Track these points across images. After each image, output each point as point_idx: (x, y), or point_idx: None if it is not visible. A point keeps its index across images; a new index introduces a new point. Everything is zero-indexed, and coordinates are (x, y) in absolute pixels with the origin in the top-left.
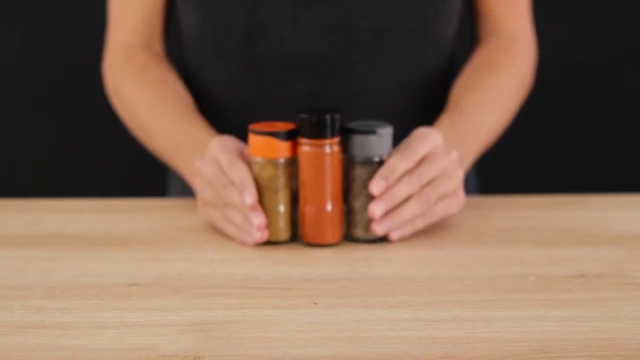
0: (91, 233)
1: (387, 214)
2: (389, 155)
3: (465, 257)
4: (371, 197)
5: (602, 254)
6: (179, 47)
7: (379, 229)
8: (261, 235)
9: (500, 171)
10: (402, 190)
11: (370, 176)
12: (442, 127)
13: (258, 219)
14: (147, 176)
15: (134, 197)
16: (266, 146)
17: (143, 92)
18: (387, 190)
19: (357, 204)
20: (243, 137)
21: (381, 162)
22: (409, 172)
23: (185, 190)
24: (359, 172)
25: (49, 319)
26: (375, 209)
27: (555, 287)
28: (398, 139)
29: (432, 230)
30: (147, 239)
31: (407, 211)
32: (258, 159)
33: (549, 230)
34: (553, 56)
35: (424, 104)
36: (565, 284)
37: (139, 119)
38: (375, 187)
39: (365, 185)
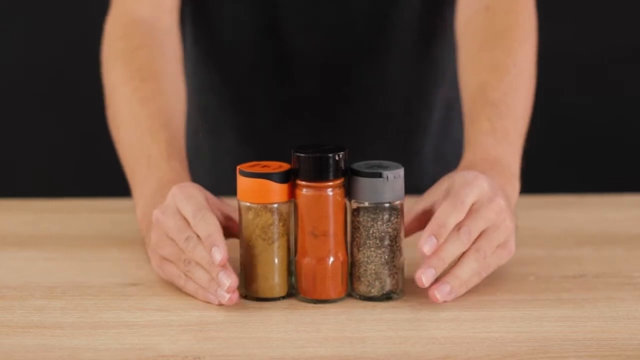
0: (91, 233)
1: (440, 277)
2: (438, 204)
3: None
4: (377, 248)
5: (602, 254)
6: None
7: (439, 296)
8: (230, 298)
9: None
10: (452, 250)
11: (377, 224)
12: (485, 133)
13: (229, 279)
14: None
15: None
16: (259, 189)
17: (125, 82)
18: (435, 251)
19: (361, 255)
20: (249, 134)
21: (391, 209)
22: (456, 227)
23: None
24: (365, 220)
25: (49, 319)
26: (423, 277)
27: (555, 287)
28: (403, 138)
29: None
30: None
31: (465, 271)
32: (250, 204)
33: (549, 230)
34: (555, 56)
35: (430, 101)
36: (565, 284)
37: (113, 109)
38: (427, 246)
39: (371, 235)
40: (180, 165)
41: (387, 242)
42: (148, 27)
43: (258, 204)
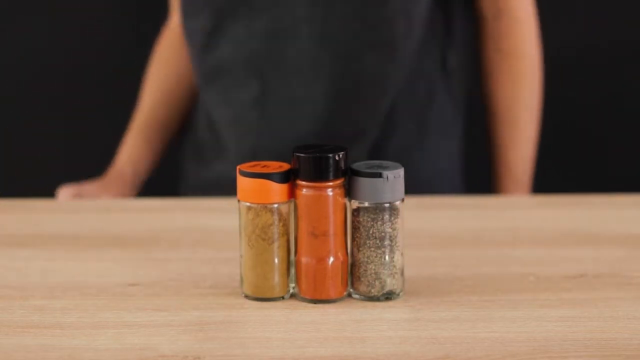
0: (91, 233)
1: None
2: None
3: (465, 257)
4: (377, 248)
5: (602, 254)
6: None
7: None
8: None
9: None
10: None
11: (377, 224)
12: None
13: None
14: (147, 176)
15: (134, 197)
16: (259, 189)
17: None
18: None
19: (361, 255)
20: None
21: (391, 209)
22: None
23: (192, 192)
24: (365, 220)
25: (49, 319)
26: None
27: (555, 287)
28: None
29: (431, 230)
30: (147, 239)
31: None
32: (250, 204)
33: (549, 230)
34: (554, 55)
35: (366, 109)
36: (565, 284)
37: None
38: None
39: (371, 235)
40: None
41: (387, 242)
42: (170, 31)
43: (258, 204)
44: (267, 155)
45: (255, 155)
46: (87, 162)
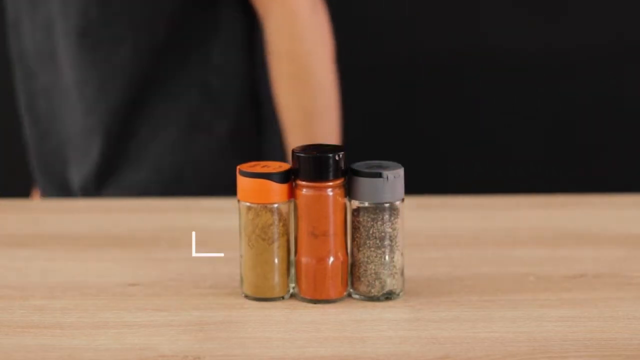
0: (91, 233)
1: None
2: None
3: (465, 257)
4: (377, 248)
5: (602, 254)
6: None
7: None
8: None
9: (501, 171)
10: None
11: (377, 224)
12: None
13: None
14: None
15: (133, 197)
16: (259, 189)
17: None
18: None
19: (361, 255)
20: None
21: (391, 209)
22: None
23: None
24: (365, 220)
25: (49, 319)
26: None
27: (555, 287)
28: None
29: (431, 230)
30: (147, 239)
31: None
32: (250, 204)
33: (549, 230)
34: (554, 55)
35: (106, 102)
36: (565, 284)
37: None
38: None
39: (371, 235)
40: None
41: (387, 242)
42: None
43: (258, 204)
44: (53, 142)
45: (43, 143)
46: None
